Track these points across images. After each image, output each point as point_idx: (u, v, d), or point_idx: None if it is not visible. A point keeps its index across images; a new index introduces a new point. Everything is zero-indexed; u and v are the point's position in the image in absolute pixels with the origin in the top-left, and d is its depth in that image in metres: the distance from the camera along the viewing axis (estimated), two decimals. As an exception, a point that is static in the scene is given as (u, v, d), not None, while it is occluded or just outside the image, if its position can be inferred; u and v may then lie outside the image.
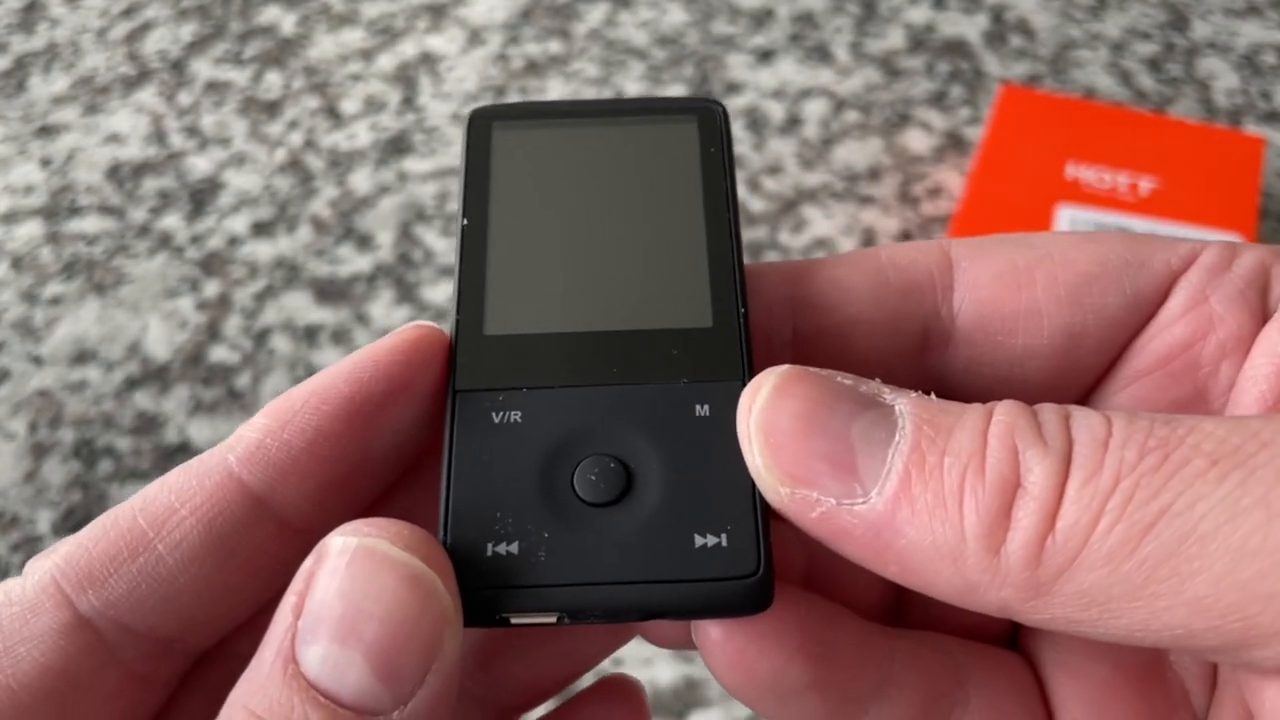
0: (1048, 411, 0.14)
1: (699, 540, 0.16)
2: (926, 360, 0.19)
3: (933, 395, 0.15)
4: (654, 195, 0.20)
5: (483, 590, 0.15)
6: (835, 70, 0.58)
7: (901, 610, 0.20)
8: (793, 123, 0.56)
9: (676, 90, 0.57)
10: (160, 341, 0.48)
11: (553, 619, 0.15)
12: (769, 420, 0.15)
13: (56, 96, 0.59)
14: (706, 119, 0.21)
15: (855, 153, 0.54)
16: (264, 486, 0.15)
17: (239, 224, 0.52)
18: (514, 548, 0.15)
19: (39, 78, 0.60)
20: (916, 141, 0.55)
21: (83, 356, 0.48)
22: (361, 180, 0.54)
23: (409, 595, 0.13)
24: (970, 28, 0.60)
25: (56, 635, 0.14)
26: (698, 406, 0.17)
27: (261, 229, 0.52)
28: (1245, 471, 0.13)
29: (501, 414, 0.16)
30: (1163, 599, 0.13)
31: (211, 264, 0.51)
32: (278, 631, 0.14)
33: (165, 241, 0.52)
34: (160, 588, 0.15)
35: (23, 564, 0.44)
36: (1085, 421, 0.14)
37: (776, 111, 0.56)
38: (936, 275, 0.18)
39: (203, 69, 0.60)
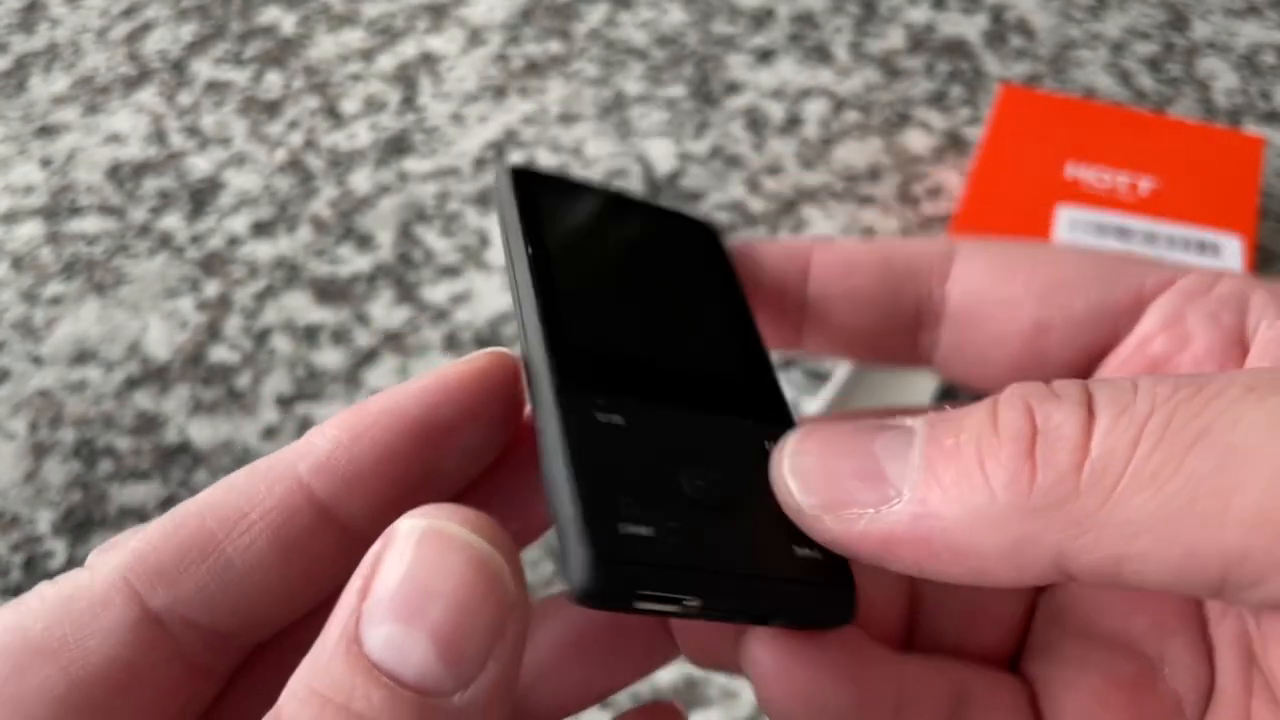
0: (1060, 382, 0.15)
1: (798, 550, 0.17)
2: (919, 335, 0.21)
3: (947, 407, 0.16)
4: (688, 266, 0.22)
5: (622, 565, 0.15)
6: (835, 70, 0.58)
7: (911, 637, 0.20)
8: (792, 123, 0.56)
9: (677, 90, 0.57)
10: (160, 341, 0.48)
11: (678, 607, 0.15)
12: (798, 464, 0.16)
13: (57, 96, 0.59)
14: (714, 234, 0.23)
15: (855, 153, 0.54)
16: (330, 497, 0.16)
17: (239, 224, 0.52)
18: (646, 530, 0.15)
19: (39, 78, 0.60)
20: (916, 141, 0.55)
21: (83, 356, 0.48)
22: (361, 180, 0.54)
23: (475, 577, 0.13)
24: (970, 28, 0.60)
25: (125, 630, 0.15)
26: (765, 441, 0.18)
27: (262, 229, 0.52)
28: None
29: (604, 415, 0.17)
30: (1213, 516, 0.13)
31: (212, 264, 0.51)
32: (342, 613, 0.14)
33: (165, 241, 0.52)
34: (227, 588, 0.15)
35: (23, 564, 0.44)
36: (1104, 382, 0.15)
37: (776, 111, 0.56)
38: (936, 263, 0.20)
39: (203, 69, 0.60)
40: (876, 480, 0.15)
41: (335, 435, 0.16)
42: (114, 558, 0.15)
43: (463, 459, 0.17)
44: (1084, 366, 0.20)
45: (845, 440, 0.16)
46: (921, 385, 0.44)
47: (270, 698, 0.15)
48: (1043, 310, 0.19)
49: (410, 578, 0.13)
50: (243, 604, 0.15)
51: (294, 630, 0.17)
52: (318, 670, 0.13)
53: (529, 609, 0.14)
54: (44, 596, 0.15)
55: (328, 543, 0.16)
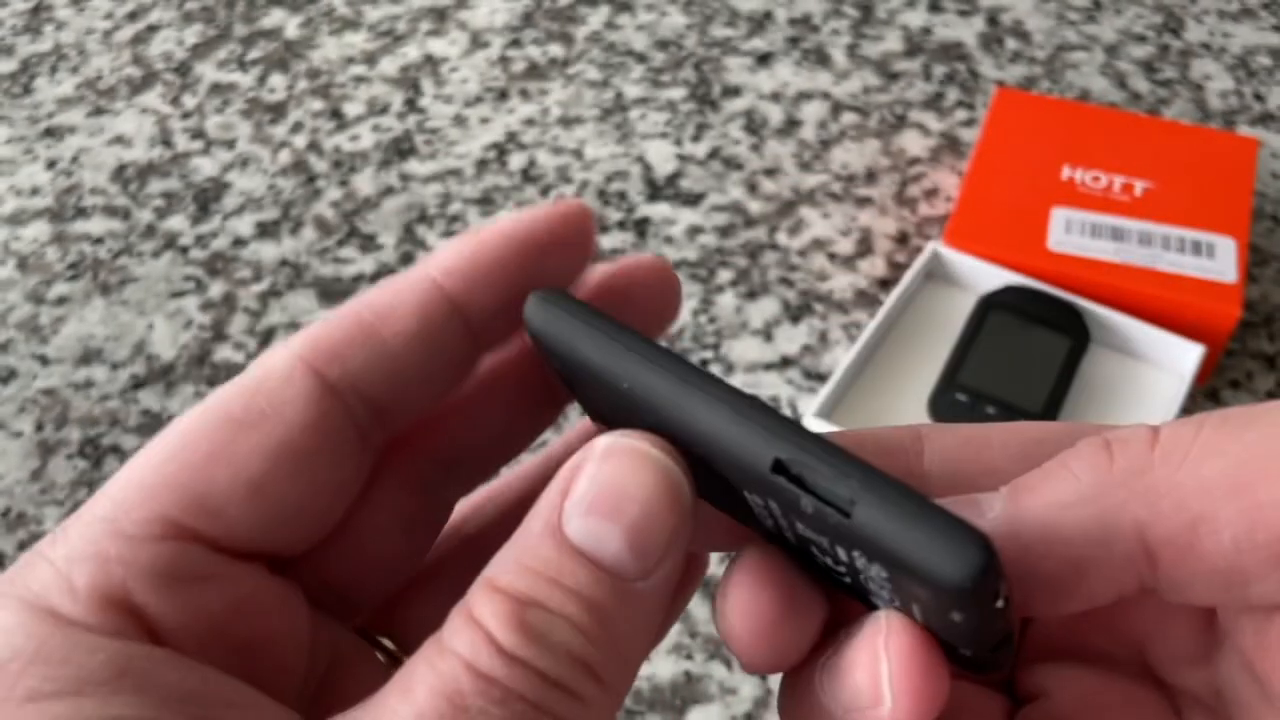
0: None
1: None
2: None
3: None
4: None
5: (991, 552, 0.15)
6: (833, 73, 0.59)
7: None
8: (791, 125, 0.56)
9: (676, 93, 0.58)
10: (165, 341, 0.49)
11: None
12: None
13: (62, 98, 0.59)
14: None
15: (852, 154, 0.55)
16: (458, 293, 0.19)
17: (244, 225, 0.53)
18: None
19: (45, 80, 0.60)
20: (913, 143, 0.55)
21: (89, 356, 0.48)
22: (365, 181, 0.54)
23: (663, 487, 0.16)
24: (966, 31, 0.61)
25: (311, 398, 0.17)
26: None
27: (266, 230, 0.53)
28: None
29: None
30: (1275, 469, 0.15)
31: (216, 264, 0.51)
32: (544, 507, 0.16)
33: (170, 242, 0.52)
34: (385, 364, 0.18)
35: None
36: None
37: (775, 114, 0.57)
38: (908, 444, 0.20)
39: (208, 72, 0.60)
40: (969, 502, 0.17)
41: (458, 247, 0.19)
42: (292, 343, 0.18)
43: (557, 278, 0.20)
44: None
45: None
46: (918, 389, 0.45)
47: (391, 522, 0.19)
48: (1025, 468, 0.18)
49: (611, 483, 0.16)
50: (398, 379, 0.18)
51: (416, 435, 0.20)
52: (527, 549, 0.16)
53: (697, 519, 0.17)
54: (238, 382, 0.18)
55: (454, 333, 0.19)
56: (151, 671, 0.15)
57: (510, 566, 0.16)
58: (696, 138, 0.56)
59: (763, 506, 0.17)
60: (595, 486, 0.16)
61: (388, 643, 0.20)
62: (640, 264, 0.20)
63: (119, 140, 0.57)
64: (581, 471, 0.16)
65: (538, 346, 0.19)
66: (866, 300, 0.49)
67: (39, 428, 0.46)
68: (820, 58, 0.59)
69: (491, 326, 0.19)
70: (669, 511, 0.16)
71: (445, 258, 0.19)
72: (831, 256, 0.51)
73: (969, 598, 0.15)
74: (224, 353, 0.48)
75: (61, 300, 0.50)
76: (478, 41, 0.61)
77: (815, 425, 0.42)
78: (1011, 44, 0.60)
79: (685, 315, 0.49)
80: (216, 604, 0.16)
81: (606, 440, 0.17)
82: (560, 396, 0.21)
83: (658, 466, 0.16)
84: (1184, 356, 0.44)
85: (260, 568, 0.18)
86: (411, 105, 0.58)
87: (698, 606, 0.40)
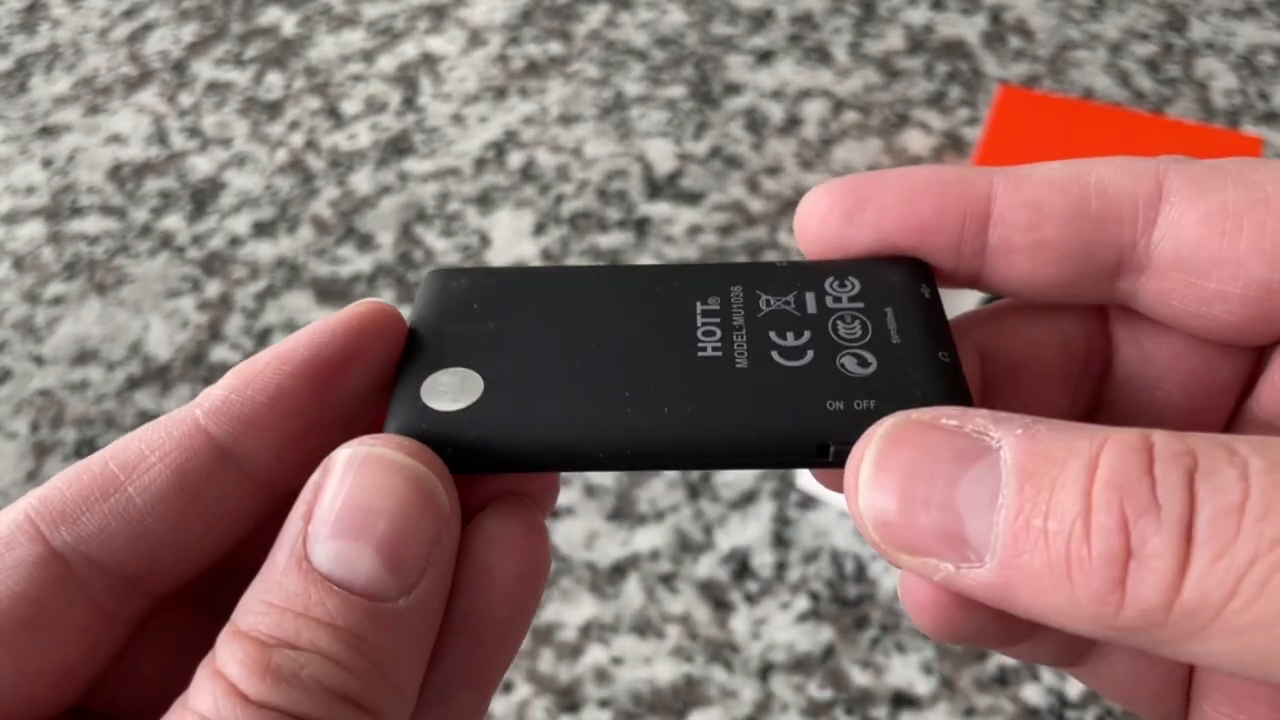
0: (1166, 463, 0.14)
1: None
2: (1118, 283, 0.19)
3: (1040, 427, 0.15)
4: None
5: None
6: (834, 71, 0.58)
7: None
8: (792, 123, 0.56)
9: (676, 91, 0.57)
10: (161, 341, 0.48)
11: None
12: (874, 505, 0.15)
13: (58, 97, 0.59)
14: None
15: (854, 153, 0.54)
16: (228, 438, 0.16)
17: (240, 224, 0.52)
18: None
19: (41, 78, 0.60)
20: (915, 142, 0.55)
21: (84, 356, 0.48)
22: (362, 180, 0.54)
23: (414, 494, 0.15)
24: (969, 28, 0.60)
25: (31, 566, 0.15)
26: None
27: (262, 229, 0.52)
28: None
29: None
30: None
31: (213, 264, 0.51)
32: (288, 537, 0.15)
33: (166, 242, 0.52)
34: (129, 527, 0.16)
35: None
36: (1214, 481, 0.13)
37: (776, 112, 0.56)
38: (1141, 208, 0.18)
39: (204, 70, 0.60)
40: (957, 541, 0.15)
41: (229, 382, 0.17)
42: (19, 503, 0.16)
43: (351, 399, 0.17)
44: None
45: (925, 482, 0.15)
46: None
47: (178, 650, 0.16)
48: (1274, 271, 0.17)
49: (353, 498, 0.15)
50: (145, 545, 0.16)
51: (198, 584, 0.17)
52: (270, 586, 0.15)
53: (459, 522, 0.16)
54: None
55: (230, 486, 0.16)
56: None
57: (255, 607, 0.14)
58: (697, 136, 0.55)
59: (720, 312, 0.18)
60: (338, 505, 0.15)
61: None
62: (346, 326, 0.17)
63: (115, 139, 0.56)
64: (323, 490, 0.15)
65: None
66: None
67: (34, 428, 0.46)
68: (822, 56, 0.59)
69: (280, 472, 0.17)
70: (424, 519, 0.15)
71: (214, 394, 0.16)
72: (833, 256, 0.50)
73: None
74: (220, 353, 0.48)
75: (57, 300, 0.50)
76: (476, 39, 0.61)
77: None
78: (1014, 42, 0.60)
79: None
80: None
81: (345, 452, 0.15)
82: None
83: (405, 472, 0.15)
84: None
85: None
86: (409, 104, 0.57)
87: (697, 608, 0.40)
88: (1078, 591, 0.14)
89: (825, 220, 0.19)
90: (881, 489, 0.15)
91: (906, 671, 0.38)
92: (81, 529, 0.15)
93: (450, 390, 0.17)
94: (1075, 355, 0.20)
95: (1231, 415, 0.20)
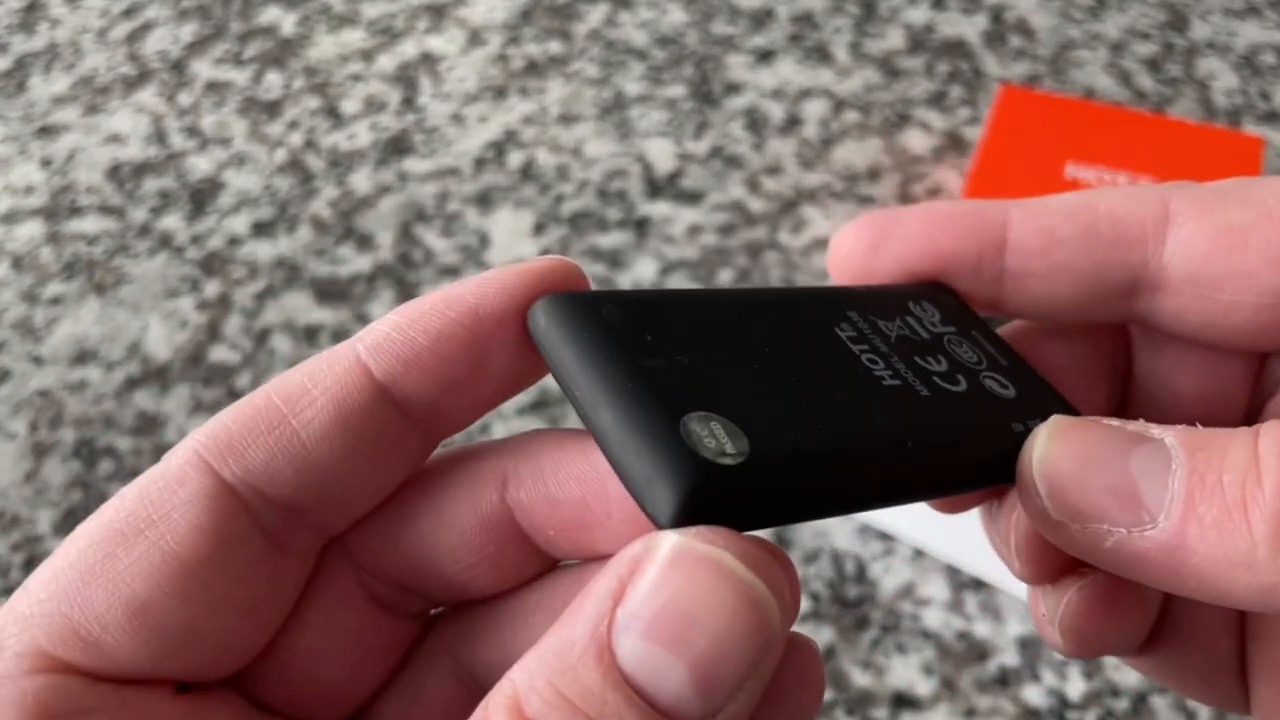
0: None
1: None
2: (1134, 302, 0.19)
3: (1198, 425, 0.16)
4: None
5: None
6: (835, 70, 0.58)
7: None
8: (792, 123, 0.56)
9: (676, 90, 0.57)
10: (160, 341, 0.48)
11: None
12: (1051, 466, 0.16)
13: (57, 97, 0.59)
14: None
15: (855, 153, 0.54)
16: (387, 376, 0.16)
17: (239, 224, 0.52)
18: None
19: (39, 78, 0.60)
20: (916, 142, 0.55)
21: (83, 356, 0.48)
22: (361, 180, 0.54)
23: (746, 616, 0.13)
24: (969, 28, 0.60)
25: (206, 499, 0.15)
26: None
27: (262, 229, 0.52)
28: None
29: None
30: None
31: (212, 264, 0.51)
32: (591, 613, 0.13)
33: (165, 241, 0.52)
34: (294, 460, 0.16)
35: (23, 563, 0.44)
36: None
37: (776, 112, 0.56)
38: (1150, 229, 0.19)
39: (203, 69, 0.60)
40: (1132, 502, 0.15)
41: (393, 319, 0.16)
42: (186, 440, 0.16)
43: (513, 355, 0.16)
44: None
45: (1101, 449, 0.16)
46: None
47: (340, 632, 0.17)
48: None
49: (678, 602, 0.13)
50: (312, 478, 0.16)
51: (363, 529, 0.17)
52: (565, 671, 0.13)
53: (784, 644, 0.14)
54: (121, 493, 0.16)
55: (386, 423, 0.16)
56: None
57: (543, 690, 0.13)
58: (697, 136, 0.55)
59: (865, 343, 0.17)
60: (657, 603, 0.13)
61: None
62: (521, 280, 0.16)
63: (114, 139, 0.56)
64: (640, 576, 0.13)
65: (545, 355, 0.16)
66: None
67: (33, 428, 0.45)
68: (822, 55, 0.59)
69: (439, 415, 0.16)
70: (749, 641, 0.13)
71: (377, 330, 0.16)
72: (833, 256, 0.50)
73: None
74: (219, 353, 0.48)
75: (56, 300, 0.50)
76: (476, 39, 0.61)
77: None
78: (1015, 41, 0.60)
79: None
80: None
81: (675, 541, 0.13)
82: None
83: (738, 583, 0.13)
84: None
85: (163, 691, 0.15)
86: (409, 103, 0.57)
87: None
88: (1255, 530, 0.14)
89: (852, 253, 0.20)
90: (1059, 457, 0.16)
91: (907, 672, 0.38)
92: (249, 462, 0.16)
93: (713, 439, 0.14)
94: (1094, 375, 0.21)
95: (1248, 417, 0.20)
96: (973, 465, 0.17)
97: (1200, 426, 0.16)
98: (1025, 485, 0.16)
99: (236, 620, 0.16)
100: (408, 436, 0.16)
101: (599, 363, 0.15)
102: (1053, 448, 0.16)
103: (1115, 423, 0.16)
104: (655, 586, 0.13)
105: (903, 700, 0.38)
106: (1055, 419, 0.17)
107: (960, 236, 0.20)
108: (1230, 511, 0.15)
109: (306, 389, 0.16)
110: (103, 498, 0.43)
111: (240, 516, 0.16)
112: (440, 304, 0.16)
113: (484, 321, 0.16)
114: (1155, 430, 0.16)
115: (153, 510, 0.15)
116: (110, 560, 0.15)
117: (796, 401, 0.15)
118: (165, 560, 0.15)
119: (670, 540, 0.13)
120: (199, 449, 0.16)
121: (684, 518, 0.13)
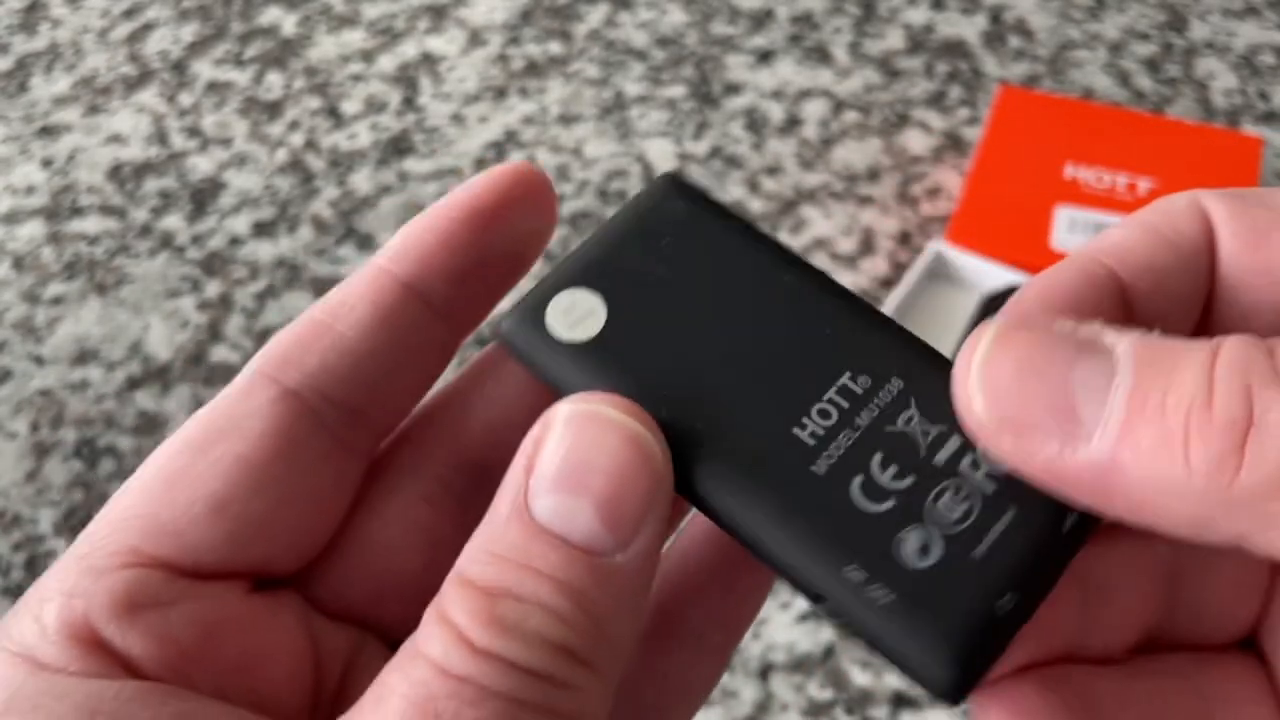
0: None
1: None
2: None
3: (1157, 332, 0.15)
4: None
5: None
6: (834, 71, 0.58)
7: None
8: (792, 123, 0.56)
9: (676, 91, 0.57)
10: (161, 341, 0.48)
11: None
12: (990, 372, 0.15)
13: (58, 97, 0.59)
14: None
15: (854, 153, 0.54)
16: (410, 275, 0.18)
17: (240, 224, 0.52)
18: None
19: (40, 78, 0.60)
20: (915, 142, 0.55)
21: (84, 356, 0.48)
22: (362, 180, 0.54)
23: (631, 452, 0.16)
24: (969, 28, 0.60)
25: (272, 405, 0.17)
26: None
27: (262, 229, 0.52)
28: None
29: None
30: None
31: (213, 264, 0.51)
32: (510, 488, 0.16)
33: (166, 241, 0.52)
34: (346, 358, 0.18)
35: (25, 563, 0.44)
36: None
37: (776, 112, 0.56)
38: (1189, 257, 0.18)
39: (204, 70, 0.60)
40: (1068, 416, 0.15)
41: (403, 231, 0.18)
42: (249, 363, 0.18)
43: (509, 240, 0.19)
44: None
45: (1044, 355, 0.15)
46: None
47: (412, 526, 0.18)
48: None
49: (572, 454, 0.15)
50: (363, 374, 0.18)
51: (437, 475, 0.19)
52: (494, 537, 0.15)
53: (673, 480, 0.16)
54: (195, 415, 0.17)
55: (419, 317, 0.18)
56: (121, 711, 0.14)
57: (480, 556, 0.15)
58: (697, 136, 0.55)
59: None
60: (558, 459, 0.15)
61: None
62: (500, 180, 0.19)
63: (115, 139, 0.56)
64: (543, 444, 0.16)
65: (526, 369, 0.18)
66: (869, 299, 0.48)
67: (34, 428, 0.46)
68: (822, 56, 0.59)
69: (458, 305, 0.19)
70: (641, 477, 0.15)
71: (392, 244, 0.18)
72: (833, 256, 0.50)
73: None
74: (220, 353, 0.48)
75: (57, 300, 0.50)
76: (476, 39, 0.61)
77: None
78: (1014, 42, 0.60)
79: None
80: (185, 629, 0.16)
81: (566, 408, 0.16)
82: None
83: (624, 430, 0.16)
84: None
85: (239, 586, 0.17)
86: (409, 104, 0.57)
87: (698, 610, 0.40)
88: (1193, 459, 0.14)
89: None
90: (998, 361, 0.15)
91: (906, 672, 0.38)
92: (307, 367, 0.17)
93: (576, 316, 0.18)
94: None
95: None
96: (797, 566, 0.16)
97: (1160, 334, 0.15)
98: (959, 390, 0.15)
99: (305, 512, 0.17)
100: (436, 329, 0.19)
101: (620, 225, 0.18)
102: (995, 351, 0.15)
103: (1068, 325, 0.15)
104: (553, 448, 0.15)
105: (902, 700, 0.38)
106: (1002, 318, 0.16)
107: (1087, 314, 0.18)
108: (1169, 439, 0.14)
109: (344, 301, 0.18)
110: (104, 497, 0.43)
111: (304, 417, 0.17)
112: (440, 207, 0.18)
113: (478, 217, 0.18)
114: (1108, 337, 0.15)
115: (225, 422, 0.17)
116: (190, 467, 0.17)
117: (705, 377, 0.17)
118: (239, 461, 0.17)
119: (559, 409, 0.16)
120: (261, 367, 0.17)
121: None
